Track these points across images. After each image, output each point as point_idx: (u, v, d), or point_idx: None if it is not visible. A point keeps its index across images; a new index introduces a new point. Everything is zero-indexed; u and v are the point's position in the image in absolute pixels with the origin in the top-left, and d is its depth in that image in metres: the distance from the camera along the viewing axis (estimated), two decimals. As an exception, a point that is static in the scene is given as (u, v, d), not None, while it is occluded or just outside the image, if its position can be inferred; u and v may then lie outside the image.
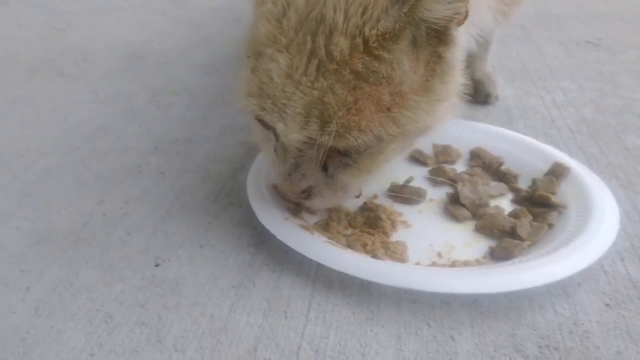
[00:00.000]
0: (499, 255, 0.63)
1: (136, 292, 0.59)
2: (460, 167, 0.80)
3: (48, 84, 1.07)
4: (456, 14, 0.52)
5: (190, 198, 0.74)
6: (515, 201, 0.74)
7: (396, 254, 0.62)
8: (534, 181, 0.75)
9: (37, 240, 0.66)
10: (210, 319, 0.56)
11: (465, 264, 0.61)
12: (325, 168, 0.59)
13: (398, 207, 0.71)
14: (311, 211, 0.68)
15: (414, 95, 0.54)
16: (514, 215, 0.69)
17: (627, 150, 0.88)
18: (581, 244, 0.60)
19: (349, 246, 0.63)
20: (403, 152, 0.63)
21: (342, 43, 0.51)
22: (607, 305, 0.58)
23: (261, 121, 0.57)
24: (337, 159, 0.58)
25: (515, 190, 0.75)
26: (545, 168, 0.76)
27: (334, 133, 0.52)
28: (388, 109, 0.53)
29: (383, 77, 0.52)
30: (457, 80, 0.58)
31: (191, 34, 1.37)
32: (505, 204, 0.73)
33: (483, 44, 1.02)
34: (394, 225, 0.67)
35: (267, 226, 0.63)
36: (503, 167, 0.79)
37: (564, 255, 0.58)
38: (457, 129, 0.85)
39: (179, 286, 0.60)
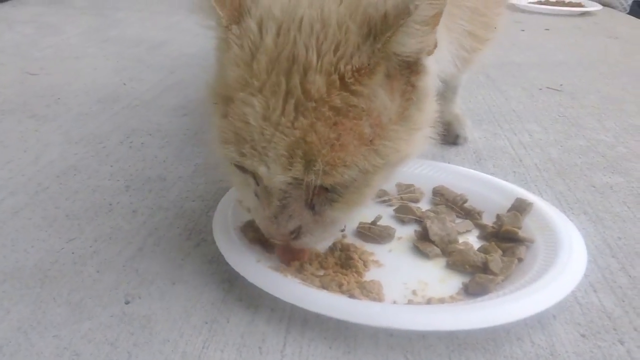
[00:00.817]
0: (473, 290, 0.63)
1: (105, 330, 0.57)
2: (424, 205, 0.81)
3: (19, 126, 1.06)
4: (426, 45, 0.53)
5: (163, 235, 0.73)
6: (481, 237, 0.74)
7: (372, 293, 0.61)
8: (498, 217, 0.75)
9: (3, 278, 0.64)
10: (182, 355, 0.54)
11: (441, 300, 0.61)
12: (311, 206, 0.58)
13: (368, 247, 0.71)
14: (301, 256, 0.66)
15: (393, 126, 0.54)
16: (483, 250, 0.69)
17: (594, 188, 0.91)
18: (555, 276, 0.61)
19: (324, 287, 0.62)
20: (387, 182, 0.63)
21: (318, 81, 0.50)
22: (583, 335, 0.58)
23: (239, 167, 0.56)
24: (323, 196, 0.57)
25: (480, 226, 0.76)
26: (508, 204, 0.77)
27: (320, 171, 0.51)
28: (370, 141, 0.53)
29: (362, 111, 0.52)
30: (431, 108, 0.59)
31: (165, 79, 1.38)
32: (472, 240, 0.73)
33: (452, 88, 1.06)
34: (366, 265, 0.67)
35: (239, 271, 0.61)
36: (467, 204, 0.80)
37: (540, 288, 0.59)
38: (419, 168, 0.87)
39: (150, 323, 0.58)
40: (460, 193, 0.81)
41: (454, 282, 0.65)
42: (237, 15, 0.54)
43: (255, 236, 0.67)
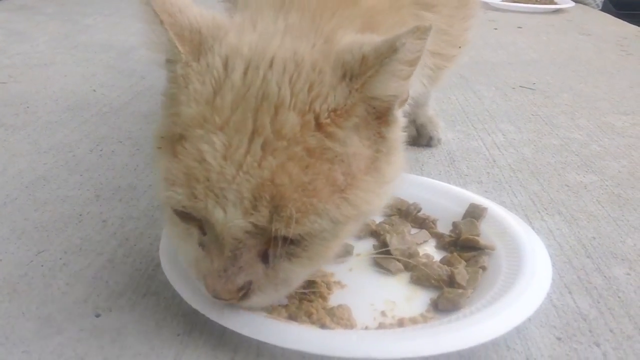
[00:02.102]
0: (444, 307, 0.61)
1: (75, 345, 0.56)
2: (377, 217, 0.76)
3: (-14, 136, 1.04)
4: (404, 92, 0.51)
5: (134, 246, 0.72)
6: (440, 247, 0.73)
7: (343, 319, 0.58)
8: (455, 225, 0.74)
9: (-32, 294, 0.62)
10: (154, 369, 0.53)
11: (412, 320, 0.59)
12: (265, 259, 0.52)
13: (327, 267, 0.66)
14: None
15: (364, 176, 0.51)
16: (447, 262, 0.68)
17: (568, 187, 0.91)
18: (526, 284, 0.60)
19: (292, 318, 0.58)
20: (351, 235, 0.58)
21: (291, 119, 0.47)
22: (558, 339, 0.58)
23: (182, 214, 0.51)
24: (283, 248, 0.50)
25: (437, 235, 0.74)
26: (461, 210, 0.76)
27: (288, 219, 0.47)
28: (342, 190, 0.49)
29: (336, 156, 0.48)
30: (400, 160, 0.56)
31: (135, 84, 1.36)
32: (431, 250, 0.72)
33: (423, 93, 1.05)
34: (329, 287, 0.63)
35: (202, 311, 0.56)
36: (421, 213, 0.78)
37: (515, 299, 0.58)
38: None
39: (121, 336, 0.57)
40: (413, 202, 0.78)
41: (421, 298, 0.63)
42: (197, 52, 0.51)
43: None
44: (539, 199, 0.87)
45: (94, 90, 1.31)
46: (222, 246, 0.50)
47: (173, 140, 0.50)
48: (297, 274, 0.54)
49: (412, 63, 0.48)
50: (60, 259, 0.69)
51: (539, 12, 2.47)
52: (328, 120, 0.48)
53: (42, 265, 0.68)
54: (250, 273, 0.51)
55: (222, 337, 0.57)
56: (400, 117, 0.55)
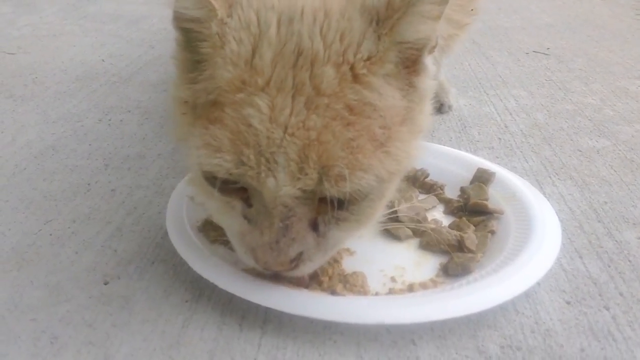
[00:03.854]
0: (454, 272, 0.60)
1: (83, 311, 0.56)
2: None
3: (-5, 107, 1.04)
4: (433, 36, 0.49)
5: (142, 214, 0.72)
6: (448, 212, 0.72)
7: (356, 286, 0.57)
8: (462, 190, 0.73)
9: (-22, 263, 0.63)
10: (161, 335, 0.53)
11: (423, 285, 0.58)
12: (315, 226, 0.51)
13: None
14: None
15: (400, 128, 0.49)
16: (455, 227, 0.68)
17: (580, 152, 0.90)
18: (536, 248, 0.59)
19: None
20: (392, 195, 0.56)
21: (328, 73, 0.45)
22: (568, 303, 0.58)
23: (226, 185, 0.49)
24: (330, 213, 0.49)
25: (445, 201, 0.74)
26: (469, 175, 0.76)
27: (336, 178, 0.45)
28: (382, 143, 0.47)
29: (374, 109, 0.47)
30: (429, 111, 0.55)
31: (144, 54, 1.35)
32: (439, 216, 0.71)
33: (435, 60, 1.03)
34: (339, 254, 0.63)
35: (210, 279, 0.55)
36: (428, 179, 0.77)
37: (525, 263, 0.57)
38: None
39: (129, 303, 0.57)
40: (420, 168, 0.77)
41: (430, 263, 0.63)
42: (228, 8, 0.48)
43: (216, 236, 0.62)
44: (550, 164, 0.86)
45: (103, 60, 1.30)
46: (271, 217, 0.48)
47: (206, 106, 0.48)
48: (345, 238, 0.53)
49: (442, 1, 0.46)
50: (69, 227, 0.69)
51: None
52: (364, 71, 0.46)
53: (50, 234, 0.68)
54: (302, 243, 0.49)
55: (230, 303, 0.57)
56: (429, 65, 0.52)
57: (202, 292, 0.59)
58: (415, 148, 0.52)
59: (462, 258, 0.61)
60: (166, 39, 1.48)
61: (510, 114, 1.05)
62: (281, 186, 0.46)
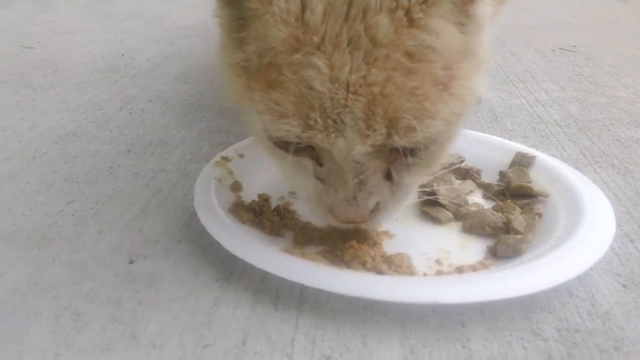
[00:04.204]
0: (504, 253, 0.56)
1: (108, 289, 0.53)
2: None
3: (15, 95, 1.02)
4: None
5: (167, 196, 0.69)
6: (488, 197, 0.68)
7: (402, 267, 0.54)
8: (502, 174, 0.70)
9: (-2, 241, 0.60)
10: (192, 313, 0.50)
11: (472, 268, 0.55)
12: (388, 176, 0.50)
13: None
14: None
15: (461, 64, 0.46)
16: (499, 210, 0.64)
17: (619, 141, 0.86)
18: (590, 230, 0.56)
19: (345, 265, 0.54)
20: (458, 136, 0.54)
21: (383, 22, 0.42)
22: (624, 286, 0.54)
23: (298, 146, 0.48)
24: (400, 161, 0.49)
25: (483, 186, 0.70)
26: (506, 160, 0.72)
27: (405, 129, 0.44)
28: (446, 85, 0.45)
29: (433, 51, 0.44)
30: (487, 39, 0.51)
31: (164, 49, 1.34)
32: (479, 200, 0.68)
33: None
34: (378, 236, 0.60)
35: (245, 258, 0.52)
36: (463, 164, 0.73)
37: (580, 245, 0.54)
38: None
39: (156, 282, 0.54)
40: (455, 153, 0.73)
41: (477, 246, 0.59)
42: None
43: (249, 217, 0.60)
44: (589, 152, 0.82)
45: (123, 55, 1.29)
46: (345, 174, 0.48)
47: (261, 69, 0.46)
48: (416, 183, 0.54)
49: None
50: (92, 208, 0.66)
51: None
52: (420, 15, 0.43)
53: (72, 215, 0.65)
54: (379, 194, 0.50)
55: (263, 282, 0.54)
56: None
57: (232, 272, 0.55)
58: (478, 82, 0.49)
59: (512, 239, 0.57)
60: (186, 35, 1.46)
61: (542, 105, 1.01)
62: (351, 145, 0.45)
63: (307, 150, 0.49)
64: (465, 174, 0.72)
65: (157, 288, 0.53)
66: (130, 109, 0.97)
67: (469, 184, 0.70)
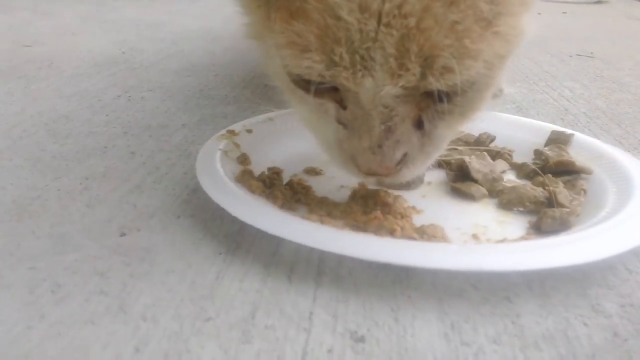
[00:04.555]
0: (549, 227, 0.49)
1: (94, 261, 0.46)
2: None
3: (5, 85, 0.95)
4: None
5: (166, 174, 0.62)
6: (523, 176, 0.62)
7: (436, 237, 0.47)
8: (537, 152, 0.63)
9: (-28, 214, 0.53)
10: (190, 286, 0.43)
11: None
12: (419, 124, 0.44)
13: (395, 191, 0.56)
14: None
15: None
16: (539, 185, 0.57)
17: (654, 131, 0.80)
18: None
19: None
20: (499, 83, 0.48)
21: None
22: (684, 263, 0.47)
23: (321, 87, 0.42)
24: (433, 108, 0.43)
25: (516, 166, 0.64)
26: (540, 141, 0.66)
27: (442, 70, 0.38)
28: (490, 22, 0.39)
29: None
30: None
31: (166, 48, 1.28)
32: (513, 180, 0.61)
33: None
34: (405, 210, 0.53)
35: (255, 224, 0.45)
36: (493, 145, 0.67)
37: (634, 217, 0.47)
38: None
39: (151, 255, 0.47)
40: (484, 132, 0.67)
41: (516, 222, 0.52)
42: None
43: (259, 186, 0.54)
44: (626, 140, 0.76)
45: (123, 52, 1.23)
46: (371, 119, 0.41)
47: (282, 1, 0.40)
48: (448, 134, 0.46)
49: None
50: (80, 184, 0.60)
51: (581, 2, 2.36)
52: None
53: (58, 190, 0.58)
54: (407, 144, 0.43)
55: (275, 256, 0.47)
56: None
57: (239, 245, 0.48)
58: (526, 22, 0.43)
59: (559, 212, 0.50)
60: (188, 37, 1.41)
61: (568, 100, 0.95)
62: (380, 86, 0.39)
63: (330, 92, 0.42)
64: (495, 154, 0.65)
65: (151, 261, 0.46)
66: (129, 96, 0.91)
67: (501, 164, 0.63)
